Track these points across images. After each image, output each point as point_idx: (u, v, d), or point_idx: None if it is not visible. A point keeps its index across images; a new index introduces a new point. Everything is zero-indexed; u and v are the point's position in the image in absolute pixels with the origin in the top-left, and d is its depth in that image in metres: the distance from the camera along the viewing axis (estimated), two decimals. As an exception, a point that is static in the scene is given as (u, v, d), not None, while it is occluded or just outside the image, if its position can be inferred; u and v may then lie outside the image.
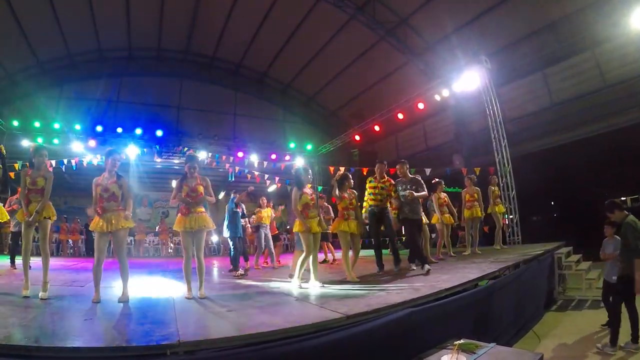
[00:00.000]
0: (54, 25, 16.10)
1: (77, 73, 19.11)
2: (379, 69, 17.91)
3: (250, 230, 10.18)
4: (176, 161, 19.50)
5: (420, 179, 7.15)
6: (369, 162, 18.04)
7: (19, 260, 8.43)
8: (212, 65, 20.93)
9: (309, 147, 21.24)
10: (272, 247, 9.81)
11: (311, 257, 5.88)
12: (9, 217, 5.39)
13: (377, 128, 17.57)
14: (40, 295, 4.88)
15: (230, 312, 4.07)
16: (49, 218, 5.20)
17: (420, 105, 15.20)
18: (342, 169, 15.04)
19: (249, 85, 21.77)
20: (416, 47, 15.97)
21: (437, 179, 8.97)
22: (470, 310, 4.66)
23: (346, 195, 6.71)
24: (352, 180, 6.88)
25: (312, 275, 5.85)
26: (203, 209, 5.31)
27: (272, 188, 17.90)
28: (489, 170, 12.23)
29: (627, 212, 5.33)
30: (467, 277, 5.32)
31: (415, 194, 6.97)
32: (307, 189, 6.12)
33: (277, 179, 17.47)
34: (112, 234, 4.96)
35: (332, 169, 15.69)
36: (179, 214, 5.28)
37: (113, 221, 4.91)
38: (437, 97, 14.49)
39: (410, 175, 7.41)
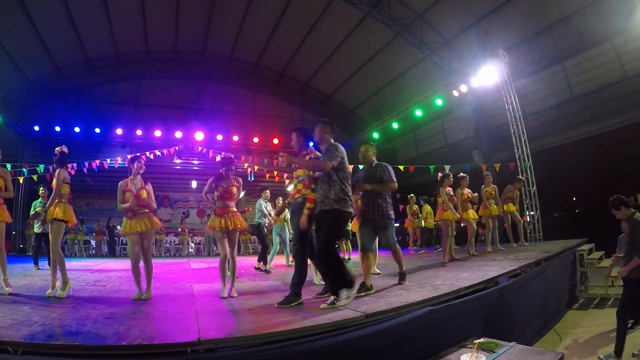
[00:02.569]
0: (71, 33, 16.54)
1: (96, 78, 19.66)
2: (396, 65, 17.81)
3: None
4: (195, 162, 19.82)
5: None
6: (388, 160, 18.01)
7: (42, 261, 8.67)
8: (229, 66, 21.12)
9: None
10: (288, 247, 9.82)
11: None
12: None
13: (395, 125, 17.52)
14: (57, 294, 5.05)
15: (250, 311, 4.10)
16: (63, 220, 5.32)
17: (439, 102, 15.11)
18: (360, 167, 15.03)
19: (267, 85, 21.92)
20: (433, 43, 15.82)
21: (462, 174, 8.66)
22: (491, 308, 4.59)
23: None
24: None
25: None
26: (236, 209, 5.48)
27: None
28: (509, 166, 12.06)
29: (633, 210, 5.03)
30: (488, 275, 5.24)
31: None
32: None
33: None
34: (141, 235, 5.19)
35: (351, 167, 15.67)
36: (213, 215, 5.42)
37: (144, 223, 5.17)
38: (456, 93, 14.37)
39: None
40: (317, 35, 17.61)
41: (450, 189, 8.10)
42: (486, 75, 12.67)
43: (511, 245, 9.53)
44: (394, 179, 5.42)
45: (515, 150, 12.08)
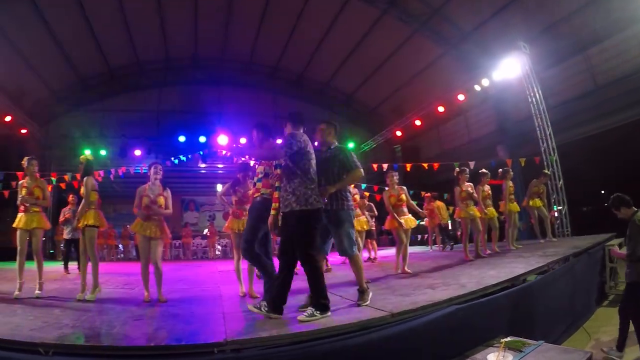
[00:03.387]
0: (92, 44, 17.01)
1: (118, 87, 20.19)
2: (416, 62, 17.60)
3: None
4: (220, 165, 20.11)
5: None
6: (412, 157, 17.89)
7: (72, 266, 8.90)
8: (249, 70, 21.23)
9: (351, 145, 21.25)
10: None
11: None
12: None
13: (418, 122, 17.43)
14: (87, 297, 5.22)
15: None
16: (94, 226, 5.48)
17: (461, 97, 14.96)
18: (385, 166, 14.99)
19: (287, 87, 21.95)
20: (452, 37, 15.62)
21: (483, 170, 8.55)
22: (518, 306, 4.50)
23: (394, 192, 6.78)
24: (395, 178, 6.94)
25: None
26: None
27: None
28: (535, 160, 11.81)
29: (635, 209, 4.85)
30: (515, 272, 5.15)
31: None
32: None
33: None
34: (150, 240, 5.30)
35: (374, 166, 15.60)
36: (231, 217, 5.53)
37: (153, 229, 5.28)
38: (477, 88, 14.18)
39: None
40: (334, 35, 17.55)
41: (471, 184, 7.98)
42: (507, 68, 12.47)
43: (538, 241, 9.31)
44: (359, 164, 4.52)
45: (541, 143, 11.84)
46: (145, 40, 18.08)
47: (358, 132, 22.01)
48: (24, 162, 5.91)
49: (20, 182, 5.89)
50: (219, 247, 18.69)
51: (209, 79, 20.71)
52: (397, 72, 18.57)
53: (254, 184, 4.84)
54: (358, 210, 6.31)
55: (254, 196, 4.75)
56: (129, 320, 4.09)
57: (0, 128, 16.37)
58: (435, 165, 14.18)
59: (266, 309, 3.78)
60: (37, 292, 5.45)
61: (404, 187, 6.97)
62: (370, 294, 4.26)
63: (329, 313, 3.75)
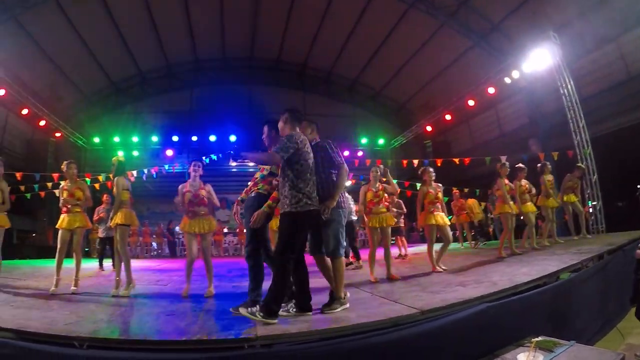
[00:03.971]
0: (122, 49, 17.55)
1: (149, 89, 20.84)
2: (444, 55, 17.36)
3: None
4: (251, 163, 20.27)
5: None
6: (442, 152, 17.65)
7: (106, 263, 9.17)
8: (278, 68, 21.38)
9: (381, 141, 21.18)
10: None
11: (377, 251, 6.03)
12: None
13: (448, 117, 17.23)
14: (121, 293, 5.38)
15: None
16: (126, 224, 5.65)
17: (491, 90, 14.69)
18: (415, 161, 14.83)
19: (316, 85, 21.97)
20: (480, 29, 15.32)
21: (520, 165, 8.29)
22: (550, 305, 4.39)
23: (432, 190, 6.73)
24: (432, 173, 6.87)
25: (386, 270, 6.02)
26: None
27: (347, 184, 17.94)
28: (568, 154, 11.46)
29: None
30: (547, 270, 5.01)
31: None
32: (375, 187, 6.30)
33: (350, 175, 17.47)
34: (200, 236, 5.51)
35: (405, 162, 15.46)
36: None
37: (202, 225, 5.48)
38: (508, 80, 13.88)
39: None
40: (361, 31, 17.46)
41: (507, 180, 7.80)
42: (538, 59, 12.12)
43: (572, 238, 9.02)
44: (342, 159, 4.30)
45: (574, 136, 11.47)
46: (173, 43, 18.49)
47: (388, 128, 21.95)
48: (64, 166, 6.16)
49: (61, 185, 6.20)
50: None
51: (238, 79, 20.94)
52: (425, 67, 18.34)
53: (255, 178, 4.65)
54: (381, 207, 6.31)
55: (249, 191, 4.56)
56: (161, 315, 4.20)
57: (35, 133, 17.16)
58: (467, 160, 13.95)
59: (261, 314, 3.56)
60: (73, 288, 5.65)
61: (440, 185, 6.93)
62: (343, 307, 4.00)
63: (275, 321, 3.54)
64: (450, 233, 6.93)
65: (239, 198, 4.74)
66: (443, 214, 6.76)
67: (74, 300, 5.09)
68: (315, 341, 3.15)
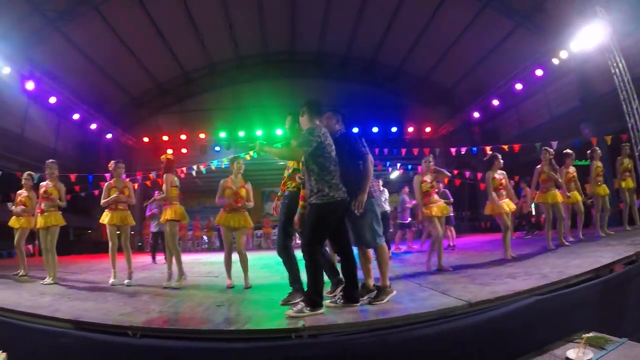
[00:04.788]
0: (166, 51, 18.06)
1: (193, 88, 21.20)
2: (488, 38, 16.65)
3: None
4: None
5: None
6: (491, 139, 17.09)
7: (159, 257, 9.57)
8: (319, 61, 21.27)
9: (428, 129, 20.76)
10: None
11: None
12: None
13: (495, 102, 16.67)
14: (173, 285, 5.60)
15: None
16: (174, 220, 5.88)
17: (539, 72, 14.08)
18: (463, 150, 14.49)
19: (359, 75, 21.61)
20: (523, 8, 14.58)
21: (567, 150, 8.00)
22: (602, 299, 4.15)
23: (497, 176, 6.63)
24: (501, 160, 6.75)
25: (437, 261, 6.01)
26: None
27: (394, 175, 17.87)
28: (622, 138, 10.82)
29: None
30: (600, 262, 4.76)
31: None
32: (428, 177, 6.24)
33: (398, 165, 17.31)
34: (235, 230, 5.65)
35: (453, 150, 15.14)
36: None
37: (239, 220, 5.63)
38: (556, 61, 13.24)
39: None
40: (403, 17, 17.05)
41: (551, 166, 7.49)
42: (586, 38, 11.48)
43: (625, 228, 8.37)
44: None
45: (628, 119, 10.79)
46: (215, 43, 18.79)
47: (434, 115, 21.40)
48: (111, 165, 6.45)
49: (107, 183, 6.49)
50: (299, 236, 19.04)
51: (280, 73, 21.00)
52: (470, 51, 17.72)
53: (284, 179, 4.78)
54: (435, 197, 6.27)
55: (282, 189, 4.74)
56: (211, 306, 4.33)
57: (88, 135, 18.05)
58: (516, 146, 13.46)
59: (307, 309, 3.61)
60: (126, 280, 5.95)
61: (504, 172, 6.80)
62: (390, 296, 4.01)
63: (321, 310, 3.65)
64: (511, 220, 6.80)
65: (278, 193, 4.93)
66: (507, 200, 6.63)
67: (128, 292, 5.34)
68: (362, 332, 3.16)
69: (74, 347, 3.36)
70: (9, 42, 12.06)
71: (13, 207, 7.32)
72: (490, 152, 7.04)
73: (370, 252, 4.27)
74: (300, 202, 4.25)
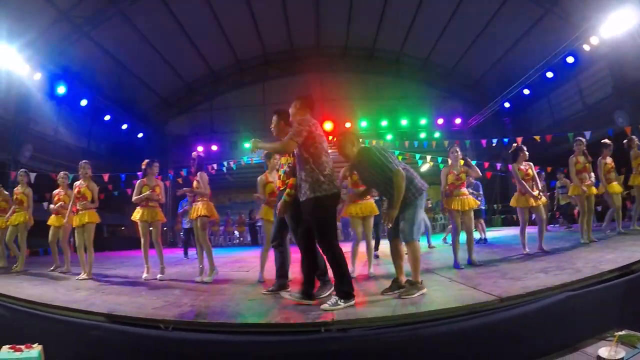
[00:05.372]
0: (193, 51, 18.44)
1: (222, 87, 21.55)
2: (516, 26, 16.25)
3: None
4: (329, 151, 20.62)
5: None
6: (522, 130, 16.68)
7: (191, 252, 9.80)
8: (345, 54, 21.22)
9: (458, 121, 20.48)
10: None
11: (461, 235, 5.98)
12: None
13: (526, 92, 16.34)
14: (205, 279, 5.72)
15: (385, 293, 4.15)
16: (206, 216, 5.99)
17: (569, 59, 13.73)
18: (494, 141, 14.22)
19: (385, 67, 21.45)
20: (550, -6, 14.21)
21: (605, 140, 7.68)
22: (637, 296, 4.03)
23: (523, 167, 6.50)
24: (526, 152, 6.62)
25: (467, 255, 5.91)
26: (369, 196, 5.66)
27: (425, 167, 17.75)
28: None
29: None
30: (635, 257, 4.54)
31: None
32: (455, 169, 6.12)
33: (428, 157, 17.18)
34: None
35: (484, 142, 14.87)
36: (348, 201, 5.71)
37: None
38: (586, 47, 12.86)
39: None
40: (429, 6, 16.81)
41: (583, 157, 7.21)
42: (616, 23, 11.17)
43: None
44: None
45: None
46: (241, 41, 19.02)
47: (464, 106, 21.07)
48: (145, 164, 6.60)
49: (139, 181, 6.63)
50: None
51: (306, 68, 21.00)
52: (498, 40, 17.32)
53: (279, 176, 4.78)
54: (464, 190, 6.13)
55: (279, 189, 4.72)
56: (242, 300, 4.41)
57: (119, 135, 18.59)
58: (548, 137, 13.18)
59: (342, 301, 3.63)
60: (159, 275, 6.11)
61: (530, 163, 6.63)
62: (421, 292, 3.97)
63: (353, 301, 3.66)
64: (544, 212, 6.61)
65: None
66: (536, 192, 6.46)
67: (161, 287, 5.47)
68: (391, 326, 3.15)
69: (107, 340, 3.47)
70: (39, 49, 12.59)
71: (51, 206, 7.61)
72: (516, 144, 6.85)
73: (402, 248, 4.26)
74: (288, 190, 4.23)
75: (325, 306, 3.61)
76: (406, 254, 4.25)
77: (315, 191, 3.79)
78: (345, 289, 3.70)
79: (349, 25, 18.79)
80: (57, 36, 13.67)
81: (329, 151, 4.07)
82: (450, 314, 3.28)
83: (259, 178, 5.81)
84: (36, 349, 3.10)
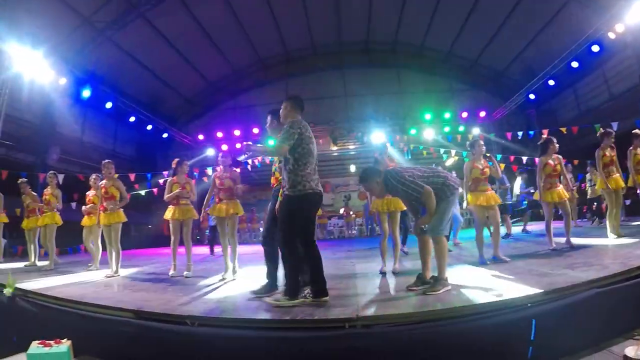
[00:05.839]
0: (215, 51, 18.61)
1: (245, 85, 21.70)
2: (539, 14, 15.85)
3: None
4: (352, 146, 20.91)
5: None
6: (548, 122, 16.30)
7: (217, 249, 9.92)
8: (368, 50, 21.11)
9: (482, 114, 20.13)
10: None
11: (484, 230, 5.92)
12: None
13: (551, 82, 15.90)
14: (230, 276, 5.85)
15: (410, 290, 4.13)
16: (237, 214, 6.10)
17: (595, 48, 13.29)
18: (520, 133, 13.92)
19: (409, 61, 21.24)
20: (573, -20, 13.78)
21: (636, 131, 7.30)
22: None
23: (551, 161, 6.35)
24: (556, 145, 6.44)
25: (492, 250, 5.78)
26: None
27: (450, 162, 17.61)
28: None
29: None
30: None
31: None
32: (479, 163, 5.96)
33: (453, 152, 16.97)
34: None
35: (509, 135, 14.57)
36: (375, 198, 5.64)
37: None
38: (612, 35, 12.47)
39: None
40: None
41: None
42: None
43: None
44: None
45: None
46: (263, 39, 19.09)
47: (487, 99, 20.68)
48: (175, 163, 6.67)
49: (169, 180, 6.69)
50: (355, 226, 19.26)
51: (329, 65, 21.09)
52: (521, 29, 16.91)
53: (273, 173, 4.88)
54: (487, 184, 5.99)
55: (273, 186, 4.82)
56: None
57: (144, 136, 18.98)
58: (574, 129, 12.80)
59: (285, 297, 3.80)
60: (186, 272, 6.20)
61: (560, 157, 6.48)
62: (446, 288, 3.94)
63: (295, 301, 3.76)
64: (569, 206, 6.44)
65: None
66: (560, 187, 6.32)
67: (188, 283, 5.58)
68: (416, 323, 3.13)
69: (135, 336, 3.58)
70: (63, 54, 12.92)
71: (83, 207, 7.86)
72: (545, 136, 6.66)
73: (431, 243, 4.23)
74: (281, 190, 4.31)
75: (267, 299, 3.86)
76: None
77: (290, 189, 3.92)
78: (289, 289, 3.84)
79: (370, 19, 18.67)
80: (81, 41, 14.00)
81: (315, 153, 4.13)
82: (474, 311, 3.24)
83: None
84: (65, 345, 3.20)
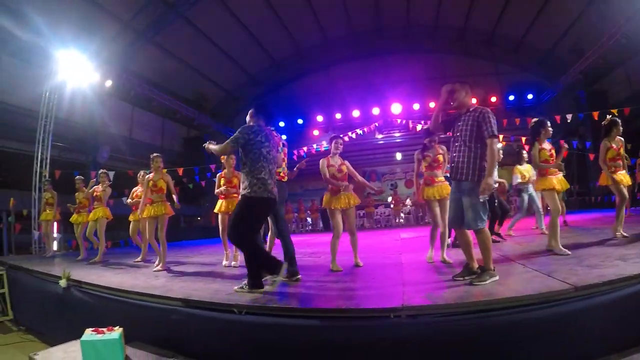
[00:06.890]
0: (254, 44, 19.08)
1: (285, 76, 22.05)
2: None
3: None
4: (397, 134, 21.05)
5: None
6: (598, 104, 15.29)
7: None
8: (409, 34, 20.78)
9: (529, 96, 19.58)
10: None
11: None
12: None
13: (601, 61, 14.97)
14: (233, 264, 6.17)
15: (457, 280, 4.06)
16: None
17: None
18: (569, 116, 13.53)
19: (450, 45, 20.77)
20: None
21: None
22: None
23: (614, 145, 6.00)
24: (620, 127, 6.07)
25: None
26: (444, 179, 5.59)
27: (497, 146, 17.09)
28: None
29: None
30: None
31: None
32: (546, 144, 5.54)
33: (501, 137, 16.44)
34: (344, 210, 5.57)
35: (558, 118, 14.02)
36: (424, 185, 5.62)
37: (346, 200, 5.57)
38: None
39: None
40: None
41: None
42: None
43: None
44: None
45: None
46: (299, 29, 19.29)
47: (533, 81, 19.93)
48: (223, 158, 6.72)
49: (218, 174, 6.86)
50: (402, 215, 19.13)
51: (368, 52, 20.96)
52: (566, 5, 15.89)
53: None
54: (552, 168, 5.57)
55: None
56: (313, 285, 4.51)
57: (190, 131, 19.65)
58: (626, 110, 12.01)
59: (247, 287, 4.11)
60: (233, 262, 6.38)
61: (622, 139, 6.09)
62: (493, 279, 3.82)
63: (257, 292, 4.03)
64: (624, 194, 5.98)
65: None
66: (623, 172, 5.99)
67: (234, 273, 5.70)
68: (461, 314, 3.11)
69: (184, 323, 3.75)
70: (108, 58, 13.58)
71: (128, 200, 8.16)
72: (610, 116, 6.18)
73: (467, 234, 4.15)
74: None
75: (235, 287, 4.19)
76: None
77: (246, 189, 4.19)
78: (251, 281, 4.12)
79: (409, 4, 18.46)
80: (123, 44, 14.63)
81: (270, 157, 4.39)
82: (522, 302, 3.15)
83: (321, 161, 5.71)
84: (117, 332, 3.39)
